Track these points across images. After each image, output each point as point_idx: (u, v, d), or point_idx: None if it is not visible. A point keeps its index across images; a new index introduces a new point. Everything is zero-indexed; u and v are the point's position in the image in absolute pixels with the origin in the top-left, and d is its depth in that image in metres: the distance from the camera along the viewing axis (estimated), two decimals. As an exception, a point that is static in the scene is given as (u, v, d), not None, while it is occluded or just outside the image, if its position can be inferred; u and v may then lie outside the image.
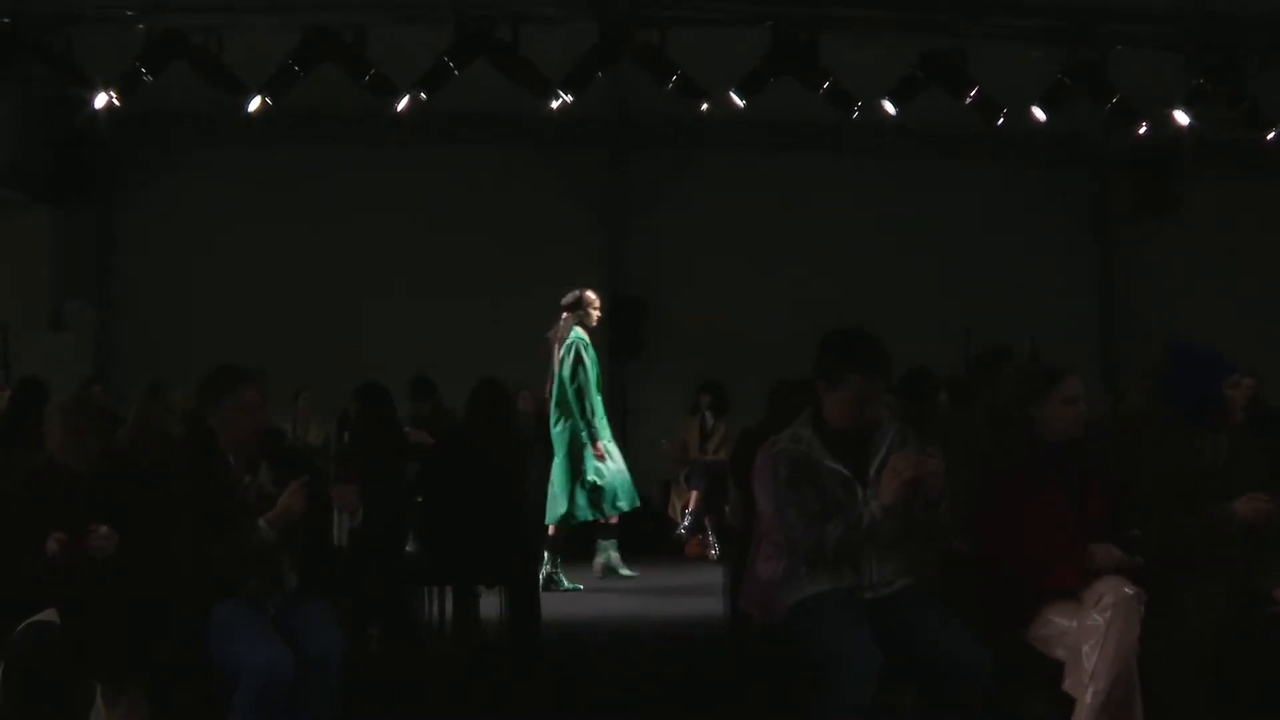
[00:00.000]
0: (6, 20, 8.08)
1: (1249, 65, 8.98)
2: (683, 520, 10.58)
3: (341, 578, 4.77)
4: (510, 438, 6.86)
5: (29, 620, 4.17)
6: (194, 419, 4.52)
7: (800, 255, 12.22)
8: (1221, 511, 4.32)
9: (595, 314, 8.60)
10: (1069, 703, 4.05)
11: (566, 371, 8.41)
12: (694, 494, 10.50)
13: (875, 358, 4.15)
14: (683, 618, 7.79)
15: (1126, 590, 4.06)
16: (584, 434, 8.38)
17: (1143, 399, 5.13)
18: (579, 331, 8.52)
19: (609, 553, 8.82)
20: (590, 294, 8.60)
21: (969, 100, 9.03)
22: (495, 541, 6.28)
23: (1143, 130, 9.67)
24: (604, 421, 8.52)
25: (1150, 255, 12.71)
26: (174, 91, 8.99)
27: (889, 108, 9.08)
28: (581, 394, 8.38)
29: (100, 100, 8.57)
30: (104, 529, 4.18)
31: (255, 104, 8.63)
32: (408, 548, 6.68)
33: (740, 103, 8.86)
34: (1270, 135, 9.60)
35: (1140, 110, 9.44)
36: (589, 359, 8.43)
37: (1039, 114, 9.20)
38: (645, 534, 10.75)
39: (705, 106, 8.95)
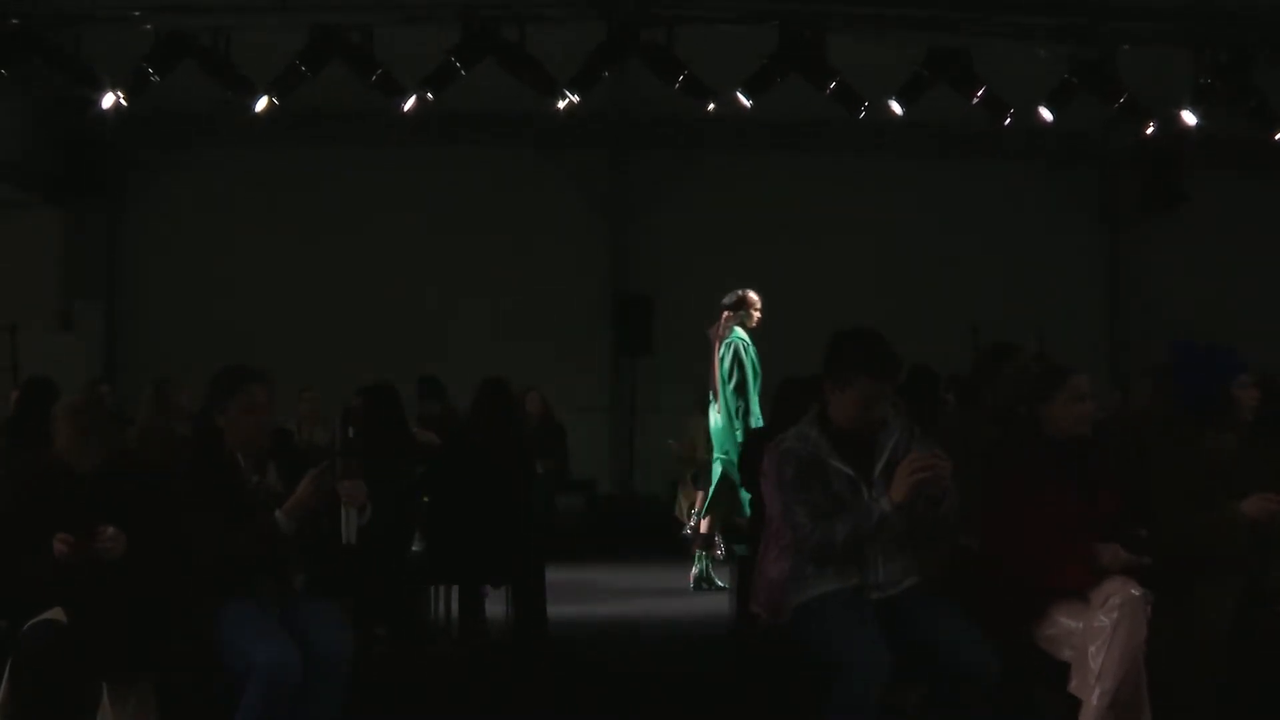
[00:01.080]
0: (14, 20, 8.10)
1: (1256, 62, 8.97)
2: (689, 520, 10.59)
3: (348, 577, 4.77)
4: (516, 437, 6.86)
5: (35, 619, 4.18)
6: (201, 419, 4.53)
7: (804, 254, 12.22)
8: (1229, 511, 4.31)
9: (756, 315, 8.53)
10: (1075, 704, 4.05)
11: (725, 369, 8.40)
12: (701, 494, 10.50)
13: (883, 359, 4.15)
14: (688, 618, 7.79)
15: (1133, 591, 4.06)
16: (739, 432, 8.33)
17: (1148, 398, 5.13)
18: (739, 332, 8.50)
19: (705, 562, 8.83)
20: (752, 295, 8.53)
21: (976, 99, 9.02)
22: (501, 541, 6.29)
23: (1149, 129, 9.66)
24: (758, 422, 8.50)
25: (1157, 252, 12.70)
26: (182, 91, 9.01)
27: (896, 107, 9.08)
28: (741, 391, 8.37)
29: (108, 100, 8.59)
30: (111, 530, 4.19)
31: (262, 104, 8.66)
32: (414, 547, 6.69)
33: (748, 102, 8.87)
34: (1277, 133, 9.58)
35: (1147, 108, 9.43)
36: (748, 359, 8.44)
37: (1045, 114, 9.19)
38: (652, 534, 10.78)
39: (711, 106, 8.95)
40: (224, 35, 8.44)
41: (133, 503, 4.33)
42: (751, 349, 8.46)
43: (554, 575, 6.64)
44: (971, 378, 5.91)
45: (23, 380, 8.02)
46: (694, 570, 8.78)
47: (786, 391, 5.91)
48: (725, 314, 8.51)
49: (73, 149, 11.17)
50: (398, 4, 8.79)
